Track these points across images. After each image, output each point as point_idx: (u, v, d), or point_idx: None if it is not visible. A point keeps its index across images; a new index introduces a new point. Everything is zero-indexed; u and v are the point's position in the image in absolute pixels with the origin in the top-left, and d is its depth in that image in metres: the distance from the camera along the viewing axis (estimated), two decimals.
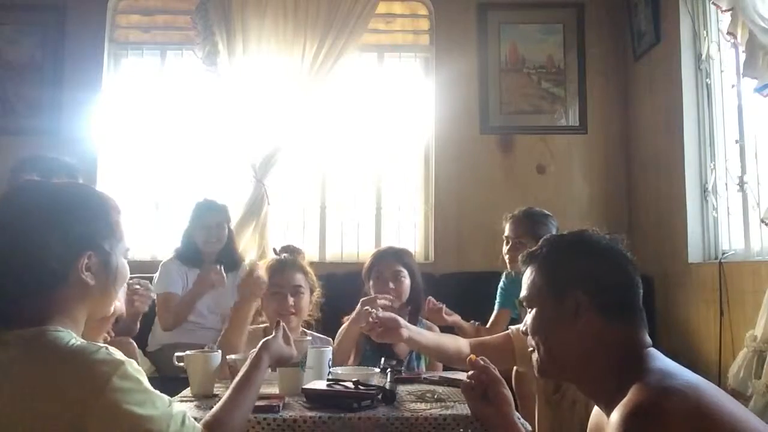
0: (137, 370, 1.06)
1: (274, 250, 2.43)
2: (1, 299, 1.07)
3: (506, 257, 2.67)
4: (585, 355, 1.15)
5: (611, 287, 1.16)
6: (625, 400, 1.02)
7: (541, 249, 1.25)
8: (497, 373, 1.41)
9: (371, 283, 2.48)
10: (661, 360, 1.11)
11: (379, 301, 2.19)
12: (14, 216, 1.10)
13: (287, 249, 2.39)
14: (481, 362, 1.40)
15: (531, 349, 1.24)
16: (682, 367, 1.09)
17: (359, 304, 2.21)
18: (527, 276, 1.25)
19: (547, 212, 2.70)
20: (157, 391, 1.08)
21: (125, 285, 1.37)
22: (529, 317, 1.24)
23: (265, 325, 2.26)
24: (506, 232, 2.68)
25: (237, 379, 1.36)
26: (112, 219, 1.18)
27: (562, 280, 1.18)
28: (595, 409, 1.23)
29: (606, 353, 1.13)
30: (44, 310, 1.08)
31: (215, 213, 3.22)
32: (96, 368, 1.01)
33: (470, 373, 1.41)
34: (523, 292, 1.26)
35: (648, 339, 1.16)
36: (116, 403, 1.00)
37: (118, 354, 1.05)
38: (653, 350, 1.14)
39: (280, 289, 2.22)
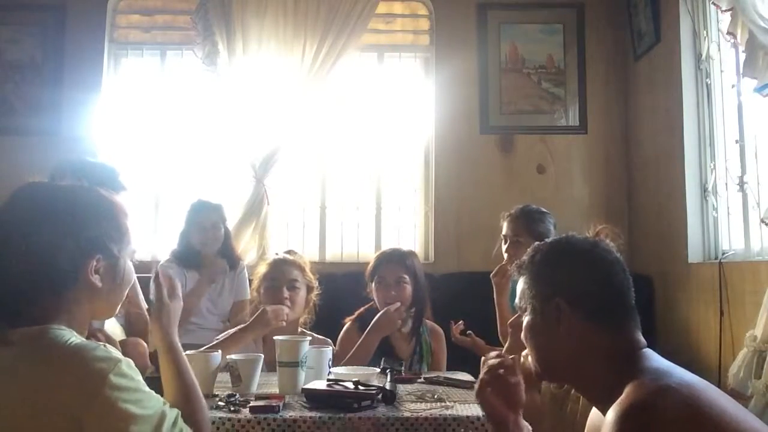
0: (133, 368, 1.07)
1: (276, 254, 2.50)
2: (12, 299, 1.09)
3: (505, 255, 2.68)
4: (574, 359, 1.17)
5: (591, 292, 1.18)
6: (620, 399, 1.02)
7: (527, 258, 1.28)
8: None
9: (374, 286, 2.48)
10: (656, 360, 1.12)
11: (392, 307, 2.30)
12: (26, 218, 1.12)
13: (288, 252, 2.47)
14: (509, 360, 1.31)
15: (527, 354, 1.26)
16: (678, 366, 1.09)
17: (382, 313, 2.31)
18: (519, 286, 1.29)
19: (544, 209, 2.71)
20: (152, 391, 1.09)
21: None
22: (523, 325, 1.26)
23: None
24: (504, 231, 2.69)
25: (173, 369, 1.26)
26: (121, 222, 1.20)
27: (543, 288, 1.21)
28: (593, 410, 1.24)
29: (595, 356, 1.14)
30: (51, 310, 1.11)
31: (210, 213, 3.20)
32: (94, 365, 1.02)
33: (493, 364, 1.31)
34: (516, 301, 1.29)
35: (642, 339, 1.17)
36: (113, 400, 1.01)
37: (116, 352, 1.07)
38: (648, 351, 1.15)
39: (275, 282, 2.27)
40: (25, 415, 1.01)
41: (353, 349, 2.28)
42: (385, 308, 2.33)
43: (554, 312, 1.18)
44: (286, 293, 2.25)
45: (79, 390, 1.01)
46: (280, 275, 2.29)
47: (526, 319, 1.25)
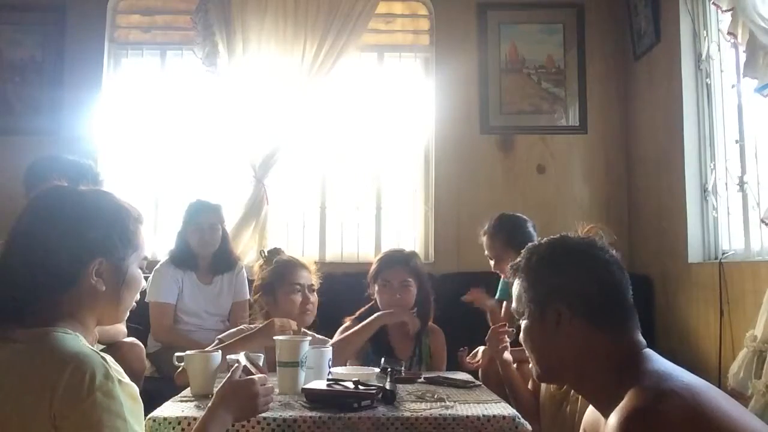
0: (126, 392, 1.05)
1: (261, 252, 2.53)
2: (16, 298, 1.10)
3: (496, 270, 2.70)
4: (575, 361, 1.16)
5: (590, 294, 1.16)
6: (622, 403, 1.01)
7: (522, 260, 1.27)
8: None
9: (377, 288, 2.46)
10: (657, 362, 1.11)
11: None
12: (34, 220, 1.15)
13: (275, 250, 2.48)
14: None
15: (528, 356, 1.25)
16: (679, 368, 1.09)
17: (374, 316, 2.30)
18: (515, 288, 1.27)
19: (520, 215, 2.70)
20: (135, 426, 1.05)
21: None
22: (521, 328, 1.25)
23: None
24: (485, 251, 2.70)
25: None
26: (130, 228, 1.20)
27: (541, 292, 1.20)
28: (590, 408, 1.23)
29: (596, 359, 1.13)
30: (55, 311, 1.11)
31: (208, 214, 3.18)
32: (86, 377, 1.01)
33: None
34: (513, 304, 1.28)
35: (642, 340, 1.16)
36: (92, 418, 1.00)
37: (114, 370, 1.05)
38: (649, 351, 1.14)
39: (301, 288, 2.30)
40: (13, 409, 1.01)
41: (355, 328, 2.31)
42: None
43: (554, 315, 1.16)
44: (312, 298, 2.31)
45: (65, 397, 1.00)
46: (304, 281, 2.32)
47: (524, 323, 1.23)
